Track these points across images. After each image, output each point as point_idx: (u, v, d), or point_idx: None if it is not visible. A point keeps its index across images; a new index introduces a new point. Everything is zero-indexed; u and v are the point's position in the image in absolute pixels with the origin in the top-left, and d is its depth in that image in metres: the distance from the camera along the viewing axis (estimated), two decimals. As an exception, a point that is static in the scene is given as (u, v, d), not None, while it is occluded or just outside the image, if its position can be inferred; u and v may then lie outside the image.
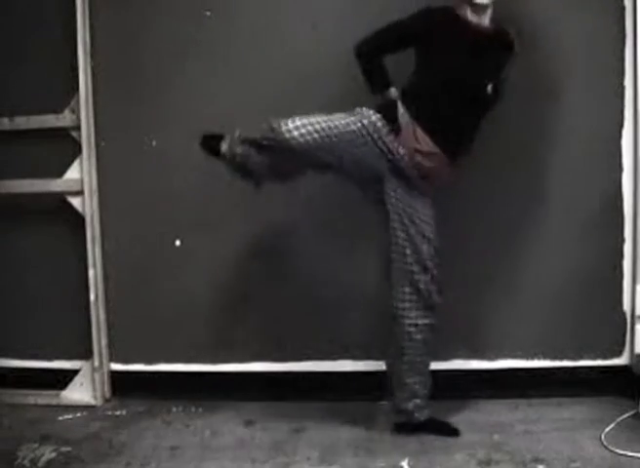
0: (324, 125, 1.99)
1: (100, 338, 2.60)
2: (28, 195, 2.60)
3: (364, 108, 2.07)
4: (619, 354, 2.46)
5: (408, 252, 2.09)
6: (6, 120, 2.58)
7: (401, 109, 2.06)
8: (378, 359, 2.33)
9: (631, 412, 2.22)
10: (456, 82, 2.04)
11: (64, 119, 2.55)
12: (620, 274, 2.43)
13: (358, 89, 2.44)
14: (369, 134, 2.03)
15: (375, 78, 2.14)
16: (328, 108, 2.44)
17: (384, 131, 2.04)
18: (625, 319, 2.44)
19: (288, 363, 2.57)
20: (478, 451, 2.03)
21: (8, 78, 2.61)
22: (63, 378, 2.63)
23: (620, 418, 2.19)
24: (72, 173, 2.57)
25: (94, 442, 2.25)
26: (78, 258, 2.60)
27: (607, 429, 2.13)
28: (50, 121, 2.56)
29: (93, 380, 2.60)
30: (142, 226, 2.62)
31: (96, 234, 2.58)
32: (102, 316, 2.61)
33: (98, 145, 2.58)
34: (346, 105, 2.44)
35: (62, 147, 2.58)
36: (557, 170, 2.43)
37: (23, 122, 2.58)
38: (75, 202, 2.57)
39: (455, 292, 2.44)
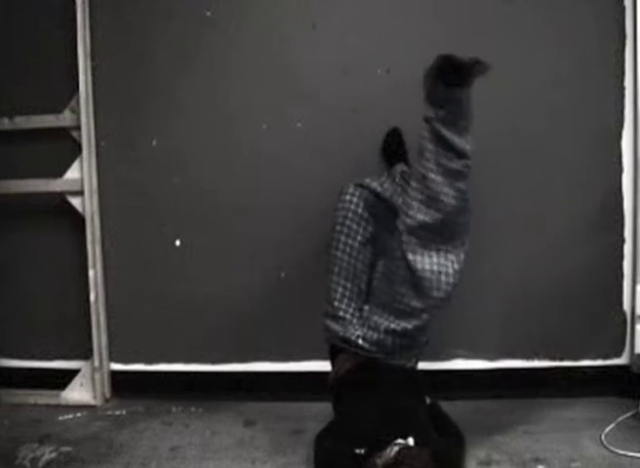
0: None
1: (100, 338, 2.60)
2: (28, 195, 2.59)
3: None
4: (619, 354, 2.46)
5: None
6: (6, 120, 2.58)
7: None
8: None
9: (631, 412, 2.22)
10: None
11: (64, 119, 2.55)
12: (620, 274, 2.43)
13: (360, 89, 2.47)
14: None
15: None
16: (328, 106, 2.48)
17: None
18: (625, 319, 2.44)
19: (288, 363, 2.57)
20: (478, 451, 2.03)
21: (8, 78, 2.61)
22: (63, 378, 2.62)
23: (621, 418, 2.19)
24: (72, 173, 2.56)
25: (94, 442, 2.24)
26: (78, 258, 2.60)
27: (607, 429, 2.12)
28: (50, 121, 2.56)
29: (93, 380, 2.60)
30: (142, 226, 2.62)
31: (96, 234, 2.58)
32: (102, 316, 2.61)
33: (98, 145, 2.57)
34: (348, 105, 2.47)
35: (62, 147, 2.58)
36: (557, 169, 2.42)
37: (23, 122, 2.57)
38: (75, 202, 2.57)
39: (454, 292, 2.45)
